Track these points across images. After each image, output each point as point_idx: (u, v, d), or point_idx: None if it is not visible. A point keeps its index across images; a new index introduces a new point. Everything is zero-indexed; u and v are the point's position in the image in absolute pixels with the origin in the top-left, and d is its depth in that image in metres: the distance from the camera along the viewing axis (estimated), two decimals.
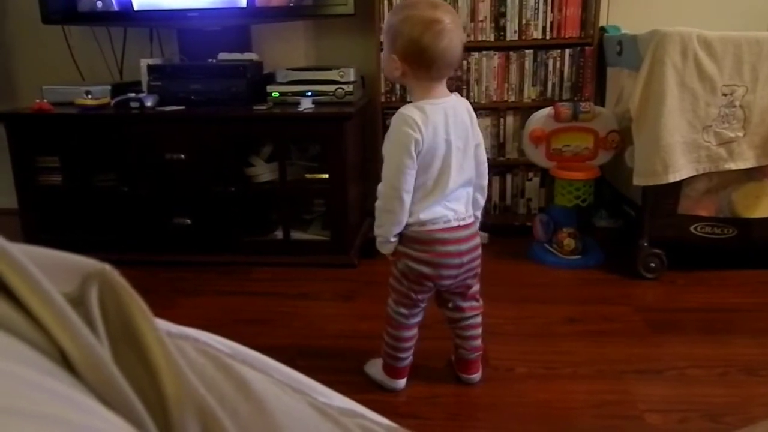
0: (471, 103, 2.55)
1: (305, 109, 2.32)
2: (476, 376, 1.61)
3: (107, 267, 0.33)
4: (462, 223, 1.45)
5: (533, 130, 2.35)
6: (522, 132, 2.53)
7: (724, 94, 2.00)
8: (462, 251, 1.45)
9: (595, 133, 2.34)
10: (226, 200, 2.37)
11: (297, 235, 2.45)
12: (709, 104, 2.01)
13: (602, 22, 2.55)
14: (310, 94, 2.42)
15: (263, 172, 2.40)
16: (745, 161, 2.05)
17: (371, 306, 2.07)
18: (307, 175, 2.44)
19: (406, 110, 1.38)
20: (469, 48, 2.58)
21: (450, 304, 1.56)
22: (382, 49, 1.46)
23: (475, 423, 1.47)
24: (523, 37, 2.55)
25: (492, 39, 2.57)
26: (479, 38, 2.57)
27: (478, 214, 1.53)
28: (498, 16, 2.55)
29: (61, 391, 0.26)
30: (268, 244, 2.44)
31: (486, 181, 1.53)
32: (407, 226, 1.43)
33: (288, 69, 2.52)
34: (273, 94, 2.45)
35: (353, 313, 2.03)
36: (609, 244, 2.47)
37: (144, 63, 2.50)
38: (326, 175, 2.36)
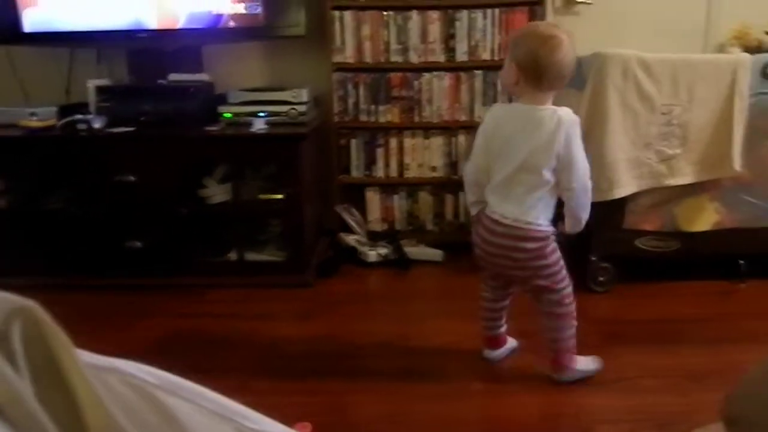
0: (422, 122, 2.65)
1: (258, 129, 2.31)
2: (557, 376, 1.67)
3: (31, 303, 0.34)
4: (503, 220, 1.57)
5: None
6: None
7: (663, 113, 2.09)
8: (490, 242, 1.60)
9: None
10: (178, 222, 2.34)
11: (252, 256, 2.43)
12: (649, 123, 2.09)
13: None
14: (262, 114, 2.41)
15: (216, 193, 2.38)
16: (684, 177, 2.14)
17: (329, 326, 2.06)
18: (261, 196, 2.43)
19: (497, 105, 1.69)
20: (420, 69, 2.63)
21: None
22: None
23: None
24: (473, 59, 2.61)
25: (443, 60, 2.63)
26: (430, 59, 2.62)
27: (569, 220, 1.62)
28: (448, 38, 2.61)
29: None
30: (222, 266, 2.41)
31: (568, 197, 1.58)
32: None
33: (240, 90, 2.51)
34: (225, 115, 2.44)
35: (311, 333, 2.02)
36: (562, 258, 2.52)
37: (91, 84, 2.45)
38: (281, 196, 2.36)
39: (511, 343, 1.84)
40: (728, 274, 2.29)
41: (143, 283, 2.35)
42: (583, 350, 1.84)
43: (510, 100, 1.74)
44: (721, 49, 2.68)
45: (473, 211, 1.71)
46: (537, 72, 1.49)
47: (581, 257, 2.28)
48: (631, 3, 2.70)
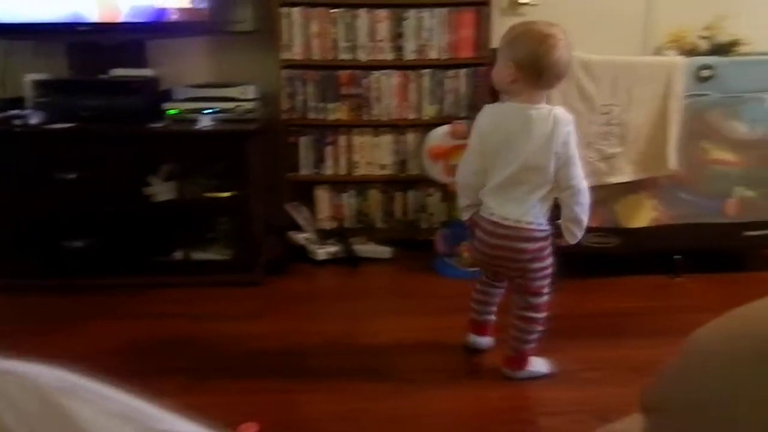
0: (371, 120, 2.66)
1: (204, 126, 2.28)
2: (510, 372, 1.71)
3: None
4: (504, 222, 1.58)
5: (432, 147, 2.43)
6: (422, 149, 2.60)
7: (603, 113, 2.16)
8: (491, 245, 1.62)
9: None
10: (122, 221, 2.28)
11: (199, 254, 2.39)
12: (590, 122, 2.16)
13: (495, 44, 2.67)
14: (209, 111, 2.37)
15: (161, 191, 2.33)
16: (624, 175, 2.22)
17: (278, 324, 2.05)
18: (208, 194, 2.39)
19: (491, 105, 1.66)
20: (368, 67, 2.63)
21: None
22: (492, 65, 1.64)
23: None
24: (421, 57, 2.63)
25: (391, 58, 2.64)
26: (378, 57, 2.63)
27: (570, 225, 1.60)
28: (396, 37, 2.62)
29: None
30: (168, 265, 2.37)
31: (568, 195, 1.58)
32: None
33: (186, 86, 2.46)
34: (170, 112, 2.39)
35: (259, 332, 2.00)
36: None
37: (29, 78, 2.36)
38: (228, 194, 2.32)
39: (491, 336, 1.84)
40: (666, 268, 2.38)
41: (86, 284, 2.28)
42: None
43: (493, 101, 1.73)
44: (658, 51, 2.77)
45: (466, 216, 1.70)
46: (536, 71, 1.51)
47: None
48: (574, 5, 2.77)
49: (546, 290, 1.66)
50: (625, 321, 2.06)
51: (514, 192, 1.57)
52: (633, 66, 2.15)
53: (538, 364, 1.72)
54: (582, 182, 1.58)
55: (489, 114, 1.63)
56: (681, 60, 2.20)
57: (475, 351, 1.83)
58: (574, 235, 1.61)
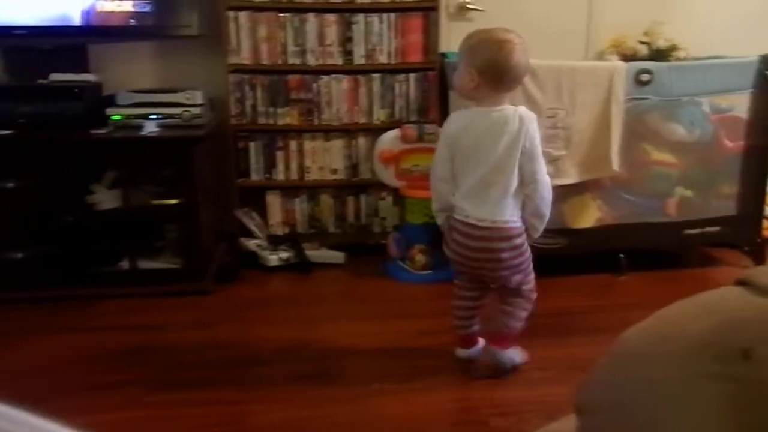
0: (322, 125, 2.65)
1: (150, 132, 2.23)
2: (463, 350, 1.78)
3: None
4: (480, 223, 1.61)
5: (382, 151, 2.44)
6: (373, 153, 2.60)
7: (549, 117, 2.21)
8: (471, 247, 1.63)
9: None
10: (64, 230, 2.21)
11: (146, 263, 2.34)
12: None
13: (443, 49, 2.71)
14: (154, 117, 2.33)
15: (105, 199, 2.27)
16: (569, 177, 2.27)
17: (228, 333, 2.02)
18: (155, 201, 2.34)
19: (457, 112, 1.69)
20: (318, 71, 2.62)
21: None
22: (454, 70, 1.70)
23: None
24: (371, 62, 2.64)
25: (341, 63, 2.64)
26: (328, 62, 2.62)
27: (533, 220, 1.65)
28: (345, 41, 2.62)
29: None
30: (114, 275, 2.31)
31: (532, 190, 1.62)
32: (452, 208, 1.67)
33: (131, 91, 2.41)
34: (114, 117, 2.33)
35: (209, 342, 1.97)
36: None
37: None
38: (176, 201, 2.28)
39: (481, 342, 1.83)
40: (611, 267, 2.44)
41: (27, 297, 2.20)
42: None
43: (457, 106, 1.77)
44: (600, 56, 2.85)
45: (440, 220, 1.73)
46: (497, 76, 1.58)
47: None
48: (520, 12, 2.82)
49: (531, 276, 1.73)
50: (572, 320, 2.11)
51: (487, 193, 1.61)
52: (575, 71, 2.21)
53: (518, 353, 1.77)
54: (546, 176, 1.64)
55: (456, 121, 1.67)
56: (621, 65, 2.27)
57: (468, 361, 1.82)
58: (537, 229, 1.67)
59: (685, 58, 2.68)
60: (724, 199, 2.45)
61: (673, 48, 2.72)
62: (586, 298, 2.29)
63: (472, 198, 1.62)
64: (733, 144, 2.41)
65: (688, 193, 2.41)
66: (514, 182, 1.61)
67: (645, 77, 2.26)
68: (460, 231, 1.64)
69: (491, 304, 1.79)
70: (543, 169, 1.63)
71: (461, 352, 1.81)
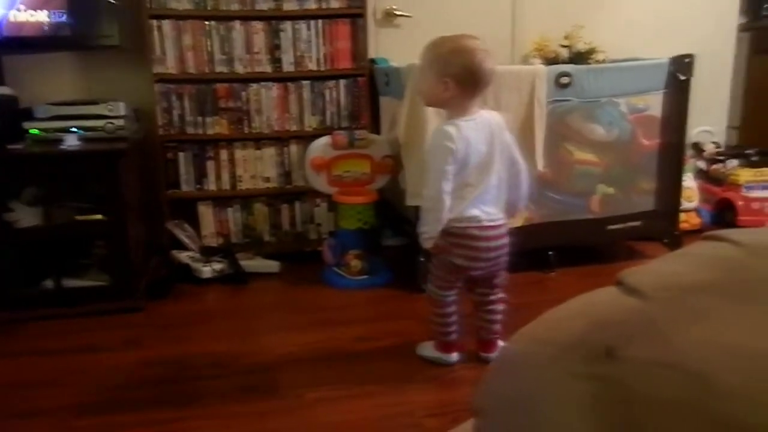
0: (252, 133, 2.63)
1: (70, 146, 2.16)
2: (494, 355, 1.82)
3: None
4: (492, 223, 1.70)
5: (313, 158, 2.44)
6: (304, 160, 2.60)
7: None
8: (490, 248, 1.71)
9: (371, 159, 2.49)
10: None
11: (72, 282, 2.26)
12: None
13: (372, 55, 2.73)
14: (75, 130, 2.25)
15: (24, 216, 2.18)
16: None
17: (162, 349, 1.98)
18: (78, 217, 2.26)
19: (445, 126, 1.66)
20: (246, 79, 2.60)
21: (478, 290, 1.82)
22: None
23: None
24: (300, 69, 2.64)
25: (269, 70, 2.62)
26: (256, 69, 2.60)
27: (523, 201, 1.81)
28: (273, 48, 2.60)
29: None
30: (37, 297, 2.22)
31: (520, 171, 1.76)
32: (448, 223, 1.67)
33: (49, 104, 2.32)
34: (32, 131, 2.24)
35: (141, 359, 1.91)
36: (396, 261, 2.62)
37: None
38: (101, 216, 2.21)
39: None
40: (540, 265, 2.52)
41: None
42: (413, 350, 1.93)
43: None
44: (525, 60, 2.94)
45: (432, 243, 1.70)
46: (474, 83, 1.64)
47: (411, 259, 2.40)
48: (446, 17, 2.87)
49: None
50: (504, 318, 2.15)
51: (492, 195, 1.71)
52: (499, 74, 2.24)
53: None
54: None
55: (458, 136, 1.64)
56: (542, 68, 2.34)
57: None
58: (523, 210, 1.87)
59: (603, 61, 2.80)
60: (644, 195, 2.56)
61: (592, 51, 2.82)
62: (517, 295, 2.32)
63: (481, 204, 1.69)
64: (650, 142, 2.53)
65: (610, 190, 2.51)
66: (504, 179, 1.73)
67: (565, 80, 2.34)
68: (477, 237, 1.69)
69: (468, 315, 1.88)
70: (519, 154, 1.77)
71: (455, 357, 1.84)
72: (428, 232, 1.69)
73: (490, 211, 1.70)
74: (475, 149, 1.66)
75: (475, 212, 1.69)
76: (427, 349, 1.87)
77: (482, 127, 1.68)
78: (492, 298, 1.83)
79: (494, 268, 1.77)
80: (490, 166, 1.69)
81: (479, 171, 1.68)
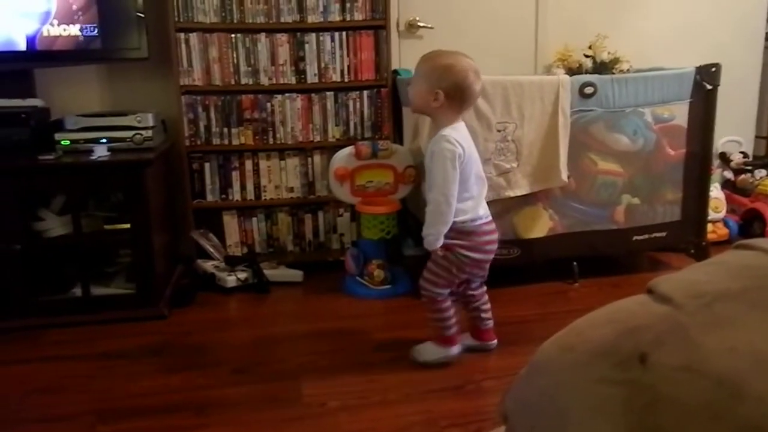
0: (278, 144, 2.66)
1: (99, 157, 2.20)
2: (495, 342, 1.99)
3: None
4: (489, 219, 1.85)
5: (337, 168, 2.46)
6: (328, 170, 2.62)
7: (498, 131, 2.26)
8: (495, 241, 1.86)
9: (394, 169, 2.50)
10: (11, 259, 2.15)
11: (99, 290, 2.30)
12: (487, 140, 2.25)
13: (395, 66, 2.75)
14: (104, 141, 2.30)
15: (54, 225, 2.23)
16: (521, 189, 2.32)
17: (182, 357, 2.00)
18: (106, 226, 2.30)
19: (446, 132, 1.75)
20: (271, 91, 2.63)
21: (465, 287, 1.93)
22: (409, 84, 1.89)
23: None
24: (323, 80, 2.66)
25: (294, 82, 2.65)
26: (281, 81, 2.64)
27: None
28: (297, 60, 2.64)
29: None
30: (65, 304, 2.26)
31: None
32: (461, 222, 1.78)
33: (79, 115, 2.38)
34: (63, 142, 2.29)
35: (162, 367, 1.94)
36: (418, 271, 2.61)
37: None
38: (128, 225, 2.25)
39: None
40: (564, 275, 2.50)
41: None
42: None
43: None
44: (548, 70, 2.94)
45: (440, 243, 1.78)
46: (460, 100, 1.76)
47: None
48: (469, 28, 2.89)
49: None
50: (527, 328, 2.15)
51: (482, 195, 1.85)
52: (521, 85, 2.26)
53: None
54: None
55: (459, 140, 1.76)
56: (565, 78, 2.33)
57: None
58: None
59: (628, 70, 2.78)
60: (669, 205, 2.53)
61: (616, 61, 2.81)
62: (541, 306, 2.33)
63: (479, 203, 1.83)
64: (675, 152, 2.50)
65: (635, 200, 2.48)
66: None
67: (589, 90, 2.33)
68: (485, 232, 1.83)
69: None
70: None
71: (456, 349, 1.93)
72: (434, 234, 1.77)
73: (486, 208, 1.86)
74: (471, 152, 1.79)
75: (480, 211, 1.83)
76: (428, 353, 1.90)
77: (466, 134, 1.81)
78: (481, 290, 1.96)
79: (488, 263, 1.89)
80: (480, 167, 1.84)
81: (477, 174, 1.82)
